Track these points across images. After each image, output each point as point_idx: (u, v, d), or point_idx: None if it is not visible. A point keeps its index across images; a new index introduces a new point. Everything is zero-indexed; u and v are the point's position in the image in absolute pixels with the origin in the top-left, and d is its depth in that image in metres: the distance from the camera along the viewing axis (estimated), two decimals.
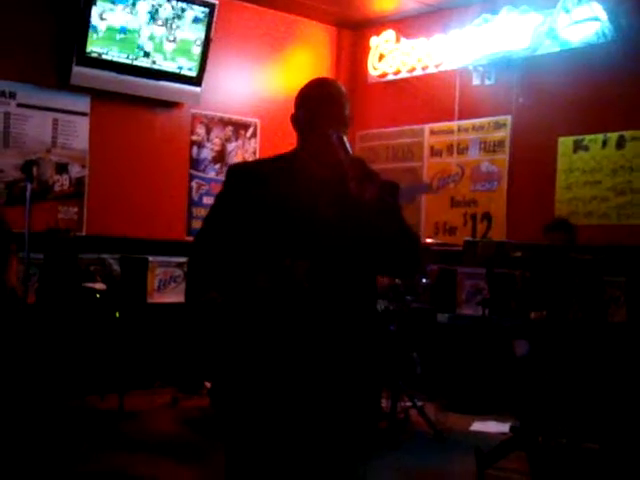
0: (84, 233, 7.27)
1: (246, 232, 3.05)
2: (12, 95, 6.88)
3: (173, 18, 7.44)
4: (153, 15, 7.33)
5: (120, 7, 7.13)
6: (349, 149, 2.93)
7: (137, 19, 7.25)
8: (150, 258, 7.59)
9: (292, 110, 3.14)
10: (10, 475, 5.05)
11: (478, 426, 6.53)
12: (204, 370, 6.70)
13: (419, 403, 6.30)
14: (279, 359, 3.00)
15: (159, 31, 7.36)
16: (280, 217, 3.04)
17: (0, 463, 5.15)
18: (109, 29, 7.11)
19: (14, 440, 5.43)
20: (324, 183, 3.06)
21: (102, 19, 7.05)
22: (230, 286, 3.19)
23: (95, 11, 7.00)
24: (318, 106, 3.07)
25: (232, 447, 3.11)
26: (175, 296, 7.73)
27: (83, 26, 6.90)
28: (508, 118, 7.60)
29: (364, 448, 3.27)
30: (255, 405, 3.03)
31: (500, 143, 7.68)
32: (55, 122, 7.14)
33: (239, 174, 3.24)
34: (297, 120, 3.13)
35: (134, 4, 7.19)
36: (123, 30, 7.16)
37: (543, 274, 6.04)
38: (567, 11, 6.99)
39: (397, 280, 6.19)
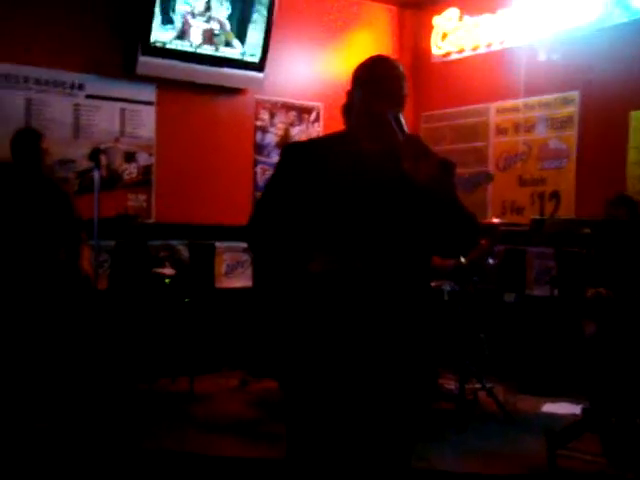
0: (153, 220, 7.44)
1: (299, 210, 3.07)
2: (80, 87, 7.03)
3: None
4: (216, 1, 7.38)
5: None
6: (405, 128, 2.91)
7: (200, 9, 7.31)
8: (217, 244, 7.74)
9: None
10: (81, 452, 5.15)
11: (549, 408, 6.55)
12: (272, 352, 6.78)
13: (488, 385, 6.31)
14: (335, 340, 3.02)
15: (221, 18, 7.46)
16: (333, 195, 3.04)
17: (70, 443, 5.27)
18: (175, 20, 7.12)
19: (85, 423, 5.58)
20: (378, 161, 3.05)
21: (166, 10, 7.04)
22: (286, 269, 3.23)
23: (160, 2, 6.98)
24: (376, 84, 3.06)
25: (293, 425, 3.16)
26: (242, 280, 7.85)
27: (147, 16, 6.97)
28: (576, 94, 7.50)
29: (419, 427, 3.27)
30: (314, 385, 3.07)
31: (568, 119, 7.62)
32: (122, 112, 7.28)
33: (293, 152, 3.27)
34: (353, 97, 3.13)
35: None
36: (188, 21, 7.26)
37: (609, 251, 5.97)
38: None
39: (462, 260, 6.21)
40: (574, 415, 5.86)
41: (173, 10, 7.13)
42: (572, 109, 7.61)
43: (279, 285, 3.32)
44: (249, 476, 4.91)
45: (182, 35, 7.26)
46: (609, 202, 6.20)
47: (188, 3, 7.21)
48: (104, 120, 7.17)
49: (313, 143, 3.58)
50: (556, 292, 6.62)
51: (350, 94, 3.11)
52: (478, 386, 6.28)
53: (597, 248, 6.15)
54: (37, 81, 6.84)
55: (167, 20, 7.12)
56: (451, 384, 6.20)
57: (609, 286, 5.60)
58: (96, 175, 5.90)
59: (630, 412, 5.34)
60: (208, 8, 7.36)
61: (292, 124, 8.33)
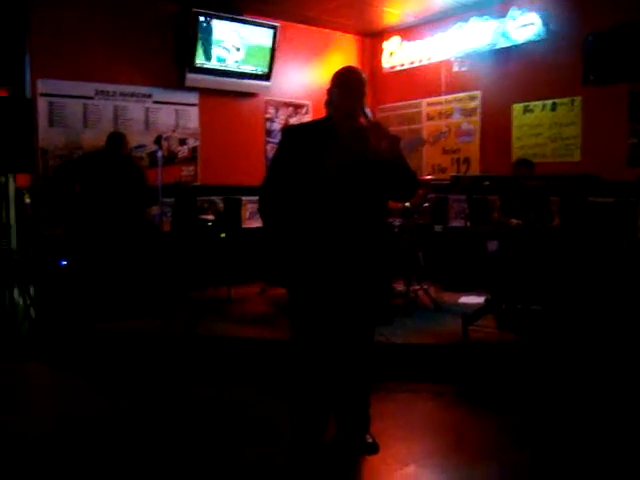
0: (199, 183, 7.48)
1: (296, 174, 3.13)
2: (149, 95, 7.12)
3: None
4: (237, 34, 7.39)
5: (214, 32, 7.19)
6: (369, 115, 3.07)
7: (228, 38, 7.33)
8: (243, 198, 7.71)
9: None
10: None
11: (464, 299, 6.63)
12: (281, 270, 6.48)
13: (424, 286, 6.34)
14: (323, 260, 3.15)
15: (241, 46, 7.48)
16: (319, 161, 3.11)
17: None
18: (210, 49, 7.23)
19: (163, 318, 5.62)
20: (350, 138, 3.14)
21: (204, 40, 7.14)
22: (287, 216, 3.22)
23: (200, 36, 7.07)
24: (346, 85, 3.13)
25: (294, 317, 3.31)
26: (259, 222, 7.44)
27: (192, 47, 7.12)
28: (478, 93, 7.64)
29: (380, 314, 3.60)
30: (308, 291, 3.22)
31: (474, 110, 7.69)
32: (177, 111, 7.33)
33: (290, 132, 3.39)
34: (332, 94, 3.20)
35: (223, 31, 7.25)
36: (219, 48, 7.29)
37: (509, 197, 5.99)
38: (514, 19, 6.94)
39: (407, 204, 6.21)
40: (479, 304, 5.93)
41: (210, 44, 7.22)
42: (476, 103, 7.67)
43: (283, 227, 3.41)
44: (267, 351, 4.91)
45: (217, 59, 7.32)
46: (515, 163, 6.22)
47: (218, 41, 7.26)
48: (165, 117, 7.22)
49: (305, 125, 3.65)
50: (468, 224, 6.82)
51: (329, 91, 3.22)
52: (417, 287, 6.32)
53: (500, 195, 6.14)
54: (121, 93, 6.91)
55: (206, 50, 7.22)
56: (400, 286, 6.22)
57: (521, 218, 5.68)
58: (159, 154, 5.91)
59: (514, 300, 5.49)
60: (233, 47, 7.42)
61: (290, 116, 8.28)
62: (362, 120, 3.08)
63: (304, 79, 8.39)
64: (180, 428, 3.95)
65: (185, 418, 4.11)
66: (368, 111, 3.07)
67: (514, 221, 5.67)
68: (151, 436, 3.83)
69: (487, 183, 6.31)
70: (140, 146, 6.98)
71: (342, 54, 8.73)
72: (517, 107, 7.27)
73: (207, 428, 3.93)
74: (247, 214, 7.87)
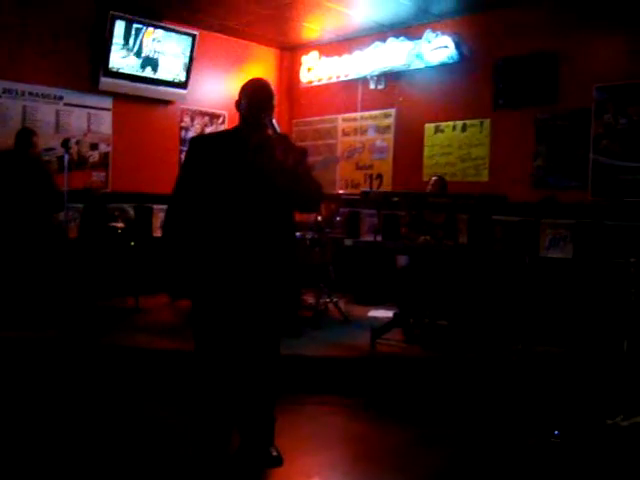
0: (109, 190, 7.34)
1: (204, 182, 3.08)
2: (60, 97, 6.95)
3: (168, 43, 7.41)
4: (155, 40, 7.30)
5: (131, 37, 7.06)
6: (277, 128, 3.03)
7: (143, 45, 7.22)
8: (154, 206, 7.59)
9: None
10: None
11: (373, 313, 6.65)
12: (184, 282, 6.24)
13: (334, 299, 6.33)
14: (226, 273, 3.10)
15: (159, 52, 7.39)
16: (224, 171, 3.08)
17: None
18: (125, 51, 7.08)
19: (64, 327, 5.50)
20: (258, 150, 3.10)
21: (120, 45, 7.00)
22: (193, 224, 3.14)
23: (115, 39, 6.93)
24: (254, 97, 3.10)
25: (197, 328, 3.24)
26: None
27: (107, 50, 6.97)
28: (393, 111, 7.76)
29: (287, 327, 3.49)
30: (211, 301, 3.16)
31: (388, 127, 7.81)
32: (89, 115, 7.19)
33: (196, 143, 3.29)
34: (240, 106, 3.16)
35: (140, 36, 7.17)
36: (135, 53, 7.20)
37: (417, 214, 5.98)
38: (429, 41, 7.15)
39: (319, 218, 6.21)
40: (388, 317, 5.99)
41: (126, 48, 7.09)
42: (390, 120, 7.80)
43: (188, 239, 3.31)
44: (175, 362, 4.77)
45: (131, 63, 7.19)
46: (430, 181, 6.26)
47: (134, 46, 7.15)
48: (76, 121, 7.07)
49: (211, 136, 3.71)
50: (379, 238, 6.78)
51: (237, 103, 3.18)
52: (328, 300, 6.31)
53: (408, 211, 6.07)
54: (30, 93, 6.70)
55: (121, 53, 7.07)
56: (310, 299, 6.25)
57: (427, 234, 5.69)
58: (66, 158, 5.76)
59: (422, 314, 5.52)
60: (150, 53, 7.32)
61: (206, 125, 8.25)
62: (269, 132, 3.06)
63: (221, 89, 8.34)
64: (73, 437, 3.81)
65: (81, 428, 3.97)
66: (276, 123, 3.05)
67: (423, 238, 5.72)
68: (37, 445, 3.68)
69: (396, 199, 6.39)
70: (49, 149, 6.75)
71: (260, 66, 8.75)
72: (429, 127, 7.43)
73: (105, 439, 3.81)
74: (158, 223, 7.71)
